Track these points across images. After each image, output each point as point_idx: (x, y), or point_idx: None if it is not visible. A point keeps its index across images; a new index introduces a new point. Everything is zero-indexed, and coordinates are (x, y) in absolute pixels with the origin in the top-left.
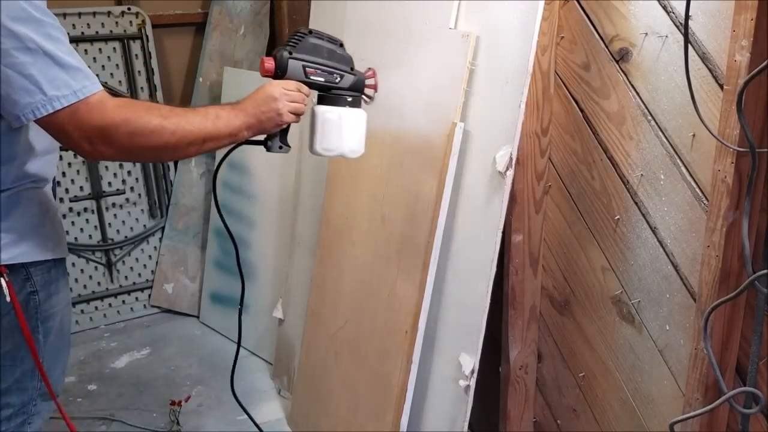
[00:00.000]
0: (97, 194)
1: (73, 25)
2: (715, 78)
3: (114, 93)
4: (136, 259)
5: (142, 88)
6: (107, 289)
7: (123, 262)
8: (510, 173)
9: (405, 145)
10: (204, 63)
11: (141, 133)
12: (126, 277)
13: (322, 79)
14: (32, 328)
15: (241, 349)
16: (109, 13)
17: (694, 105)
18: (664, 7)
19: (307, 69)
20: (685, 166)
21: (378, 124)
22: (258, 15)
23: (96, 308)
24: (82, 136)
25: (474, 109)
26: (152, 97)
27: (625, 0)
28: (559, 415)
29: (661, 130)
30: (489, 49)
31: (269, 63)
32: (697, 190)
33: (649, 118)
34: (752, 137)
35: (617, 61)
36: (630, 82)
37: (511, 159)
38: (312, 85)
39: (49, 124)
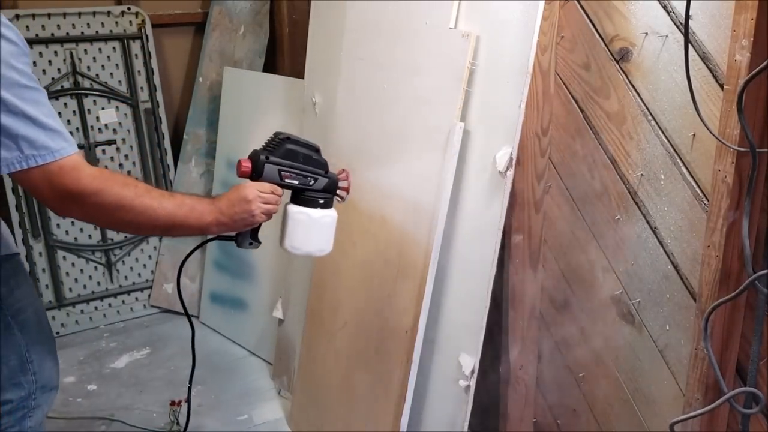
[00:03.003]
0: None
1: (73, 25)
2: (715, 78)
3: (114, 93)
4: (136, 259)
5: (142, 88)
6: (107, 289)
7: (123, 262)
8: (510, 173)
9: (405, 146)
10: (204, 63)
11: (109, 206)
12: (126, 277)
13: (296, 182)
14: (5, 324)
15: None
16: (109, 13)
17: (695, 105)
18: (664, 7)
19: (282, 173)
20: (686, 166)
21: (378, 124)
22: (258, 15)
23: (96, 308)
24: (53, 195)
25: (474, 109)
26: (152, 97)
27: (625, 0)
28: (559, 415)
29: (662, 130)
30: (489, 49)
31: (246, 165)
32: (698, 190)
33: (650, 118)
34: (752, 137)
35: (617, 61)
36: (630, 82)
37: (511, 159)
38: (286, 187)
39: (22, 179)
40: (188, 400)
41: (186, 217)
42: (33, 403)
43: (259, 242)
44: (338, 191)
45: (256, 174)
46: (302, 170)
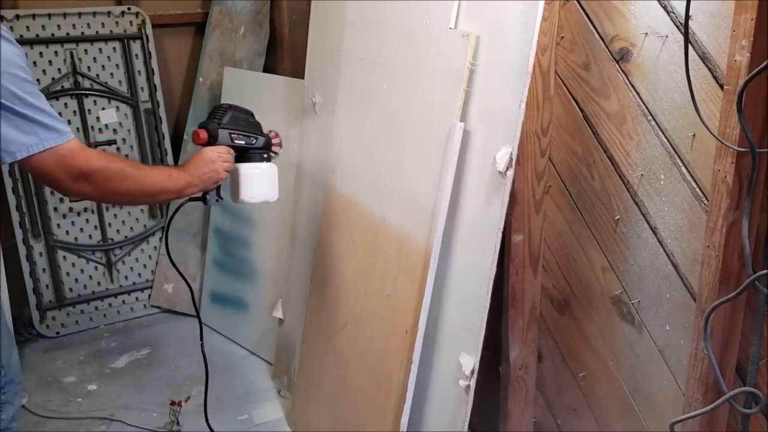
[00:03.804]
0: None
1: (73, 25)
2: (715, 78)
3: (114, 93)
4: (136, 259)
5: (142, 88)
6: (107, 289)
7: (123, 262)
8: (510, 173)
9: (405, 145)
10: (204, 63)
11: (115, 178)
12: (126, 277)
13: (243, 142)
14: None
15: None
16: (109, 13)
17: (694, 105)
18: (664, 7)
19: (232, 135)
20: (685, 166)
21: (378, 124)
22: (258, 15)
23: (96, 308)
24: (66, 176)
25: (474, 109)
26: (152, 97)
27: (625, 0)
28: (559, 415)
29: (662, 130)
30: (489, 49)
31: (203, 134)
32: (697, 190)
33: (649, 118)
34: (752, 137)
35: (617, 61)
36: (630, 82)
37: (511, 159)
38: (236, 148)
39: (35, 164)
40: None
41: (168, 183)
42: (3, 398)
43: (223, 198)
44: (273, 147)
45: (212, 139)
46: (246, 131)
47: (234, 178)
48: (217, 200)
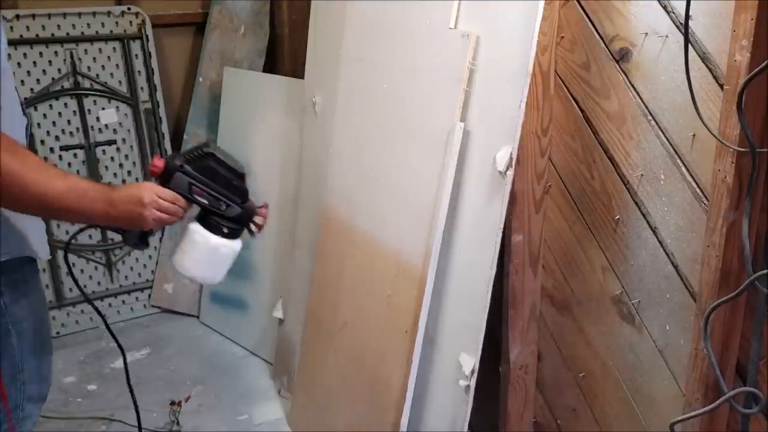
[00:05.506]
0: None
1: (73, 25)
2: (715, 78)
3: (114, 93)
4: (136, 259)
5: (142, 88)
6: (107, 289)
7: (123, 262)
8: (510, 173)
9: (405, 146)
10: (204, 63)
11: None
12: (126, 277)
13: (205, 202)
14: (3, 332)
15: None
16: (109, 13)
17: (695, 105)
18: (664, 7)
19: (192, 187)
20: (686, 166)
21: (378, 124)
22: (258, 15)
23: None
24: None
25: (474, 109)
26: (152, 97)
27: (625, 0)
28: (559, 415)
29: (662, 130)
30: (489, 49)
31: (157, 166)
32: (697, 190)
33: (650, 118)
34: (752, 137)
35: (617, 61)
36: (630, 82)
37: (511, 159)
38: (194, 202)
39: None
40: None
41: (76, 203)
42: (21, 413)
43: (145, 246)
44: (251, 225)
45: (164, 178)
46: (216, 192)
47: (181, 233)
48: (135, 244)
